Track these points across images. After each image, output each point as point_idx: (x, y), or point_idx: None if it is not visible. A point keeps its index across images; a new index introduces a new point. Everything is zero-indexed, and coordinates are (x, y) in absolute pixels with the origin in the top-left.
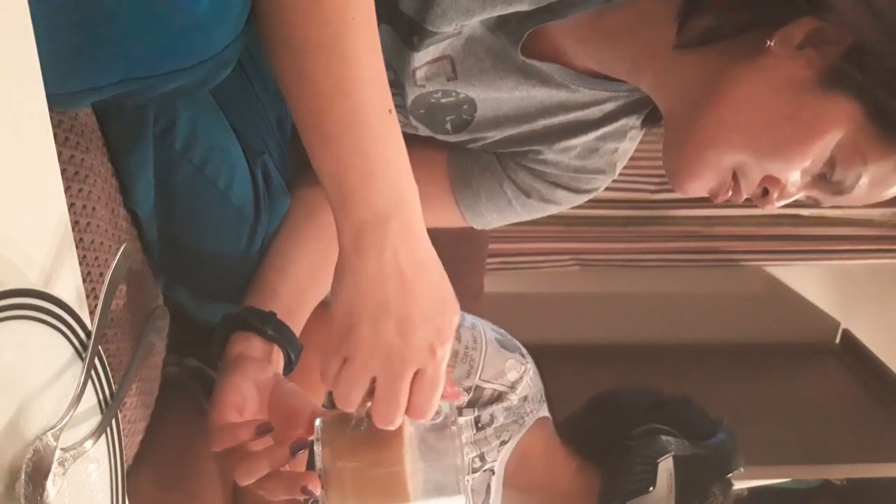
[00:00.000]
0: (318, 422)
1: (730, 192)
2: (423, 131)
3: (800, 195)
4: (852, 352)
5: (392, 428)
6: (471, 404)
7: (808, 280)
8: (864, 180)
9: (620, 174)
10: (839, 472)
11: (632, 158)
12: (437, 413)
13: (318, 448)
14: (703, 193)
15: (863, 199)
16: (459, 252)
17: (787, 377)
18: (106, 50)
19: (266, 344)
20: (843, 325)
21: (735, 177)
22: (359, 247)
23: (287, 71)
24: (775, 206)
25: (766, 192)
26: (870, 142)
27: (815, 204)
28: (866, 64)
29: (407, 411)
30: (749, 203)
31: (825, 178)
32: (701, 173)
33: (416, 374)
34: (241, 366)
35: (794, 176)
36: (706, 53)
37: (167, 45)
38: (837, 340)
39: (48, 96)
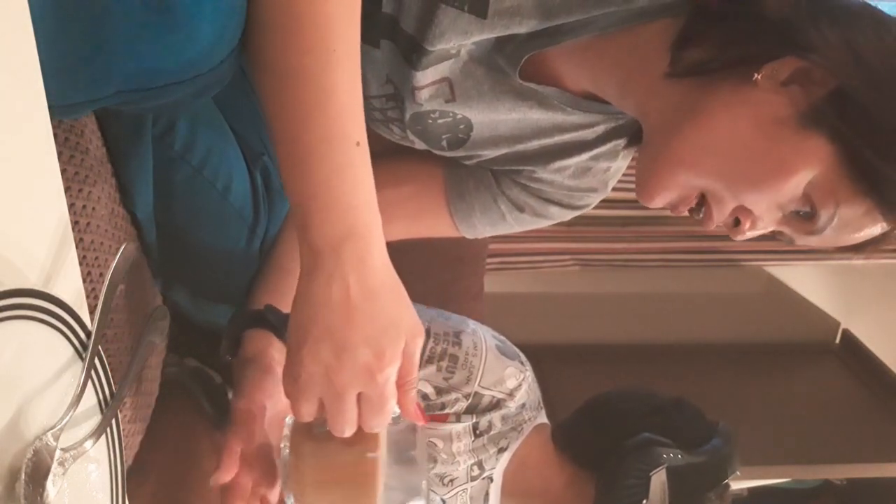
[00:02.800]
0: (287, 419)
1: (690, 207)
2: (420, 145)
3: (770, 228)
4: (852, 352)
5: (344, 436)
6: (469, 411)
7: (808, 280)
8: (835, 222)
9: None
10: (839, 472)
11: (631, 159)
12: (398, 421)
13: (283, 444)
14: (663, 205)
15: (833, 241)
16: (459, 252)
17: (787, 377)
18: (103, 63)
19: (283, 344)
20: (843, 325)
21: (707, 203)
22: (313, 272)
23: (267, 93)
24: (746, 237)
25: (737, 223)
26: (843, 185)
27: (788, 242)
28: (846, 110)
29: (359, 424)
30: None
31: (798, 216)
32: (668, 187)
33: (361, 394)
34: (267, 365)
35: (766, 210)
36: (693, 83)
37: (164, 59)
38: (837, 340)
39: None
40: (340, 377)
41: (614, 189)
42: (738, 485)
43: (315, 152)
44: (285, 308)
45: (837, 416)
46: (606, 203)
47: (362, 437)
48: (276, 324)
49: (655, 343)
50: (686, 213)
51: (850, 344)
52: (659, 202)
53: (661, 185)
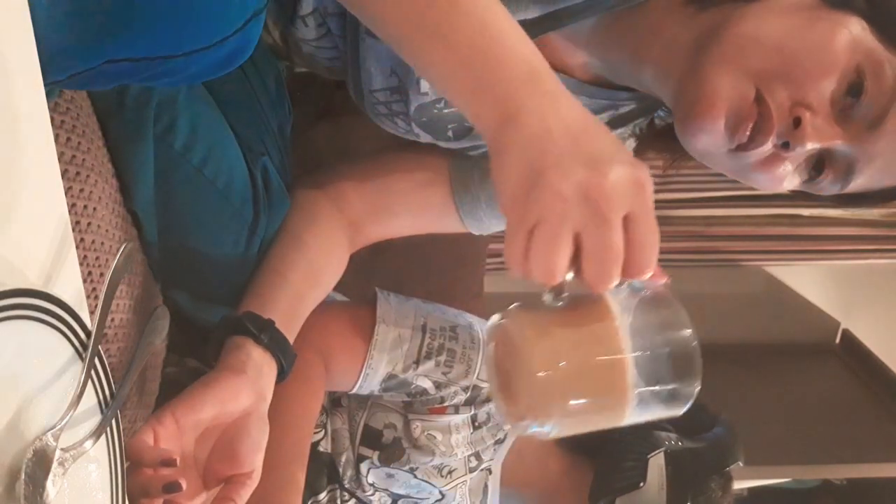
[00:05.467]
0: (491, 320)
1: (752, 125)
2: (425, 138)
3: (828, 141)
4: (852, 352)
5: (611, 285)
6: (468, 403)
7: (808, 280)
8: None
9: None
10: (839, 472)
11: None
12: (635, 289)
13: (507, 355)
14: (720, 126)
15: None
16: (459, 252)
17: (787, 377)
18: (129, 20)
19: (263, 351)
20: (843, 325)
21: (763, 103)
22: (511, 120)
23: None
24: (809, 139)
25: (797, 125)
26: (887, 56)
27: (846, 172)
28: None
29: (623, 270)
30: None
31: (856, 105)
32: (719, 88)
33: (627, 217)
34: (218, 384)
35: (819, 94)
36: (711, 13)
37: (190, 19)
38: (837, 340)
39: (69, 78)
40: (604, 191)
41: None
42: (738, 485)
43: (454, 9)
44: (271, 313)
45: (837, 416)
46: None
47: (595, 306)
48: (254, 330)
49: None
50: (746, 138)
51: (850, 344)
52: (715, 113)
53: (714, 88)
